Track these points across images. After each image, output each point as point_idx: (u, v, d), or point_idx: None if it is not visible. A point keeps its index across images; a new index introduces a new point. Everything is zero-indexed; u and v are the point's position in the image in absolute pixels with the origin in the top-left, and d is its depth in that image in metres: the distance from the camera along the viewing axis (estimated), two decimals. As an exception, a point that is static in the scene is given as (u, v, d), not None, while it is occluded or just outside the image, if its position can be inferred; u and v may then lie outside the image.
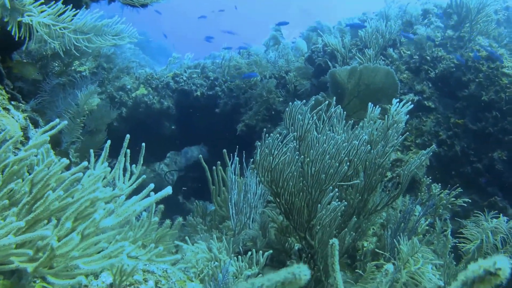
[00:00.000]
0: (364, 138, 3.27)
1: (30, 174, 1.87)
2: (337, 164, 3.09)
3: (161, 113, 8.23)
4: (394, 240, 3.38)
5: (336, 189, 3.01)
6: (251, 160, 3.54)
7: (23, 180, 1.86)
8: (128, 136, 2.25)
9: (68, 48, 2.87)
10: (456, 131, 5.79)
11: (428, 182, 4.80)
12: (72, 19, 2.83)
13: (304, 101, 3.42)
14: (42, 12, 2.65)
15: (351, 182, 3.39)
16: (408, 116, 3.75)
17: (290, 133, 3.30)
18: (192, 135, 8.69)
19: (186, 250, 3.26)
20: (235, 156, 3.87)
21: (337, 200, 2.99)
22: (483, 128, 5.65)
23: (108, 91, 8.04)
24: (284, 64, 7.66)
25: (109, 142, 2.25)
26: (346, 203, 3.01)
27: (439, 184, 4.63)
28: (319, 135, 3.26)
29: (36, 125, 3.22)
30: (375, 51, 6.32)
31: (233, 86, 8.12)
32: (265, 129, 3.44)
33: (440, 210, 4.49)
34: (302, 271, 0.81)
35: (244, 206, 3.67)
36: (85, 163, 2.00)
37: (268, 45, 8.88)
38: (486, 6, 6.15)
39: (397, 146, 3.87)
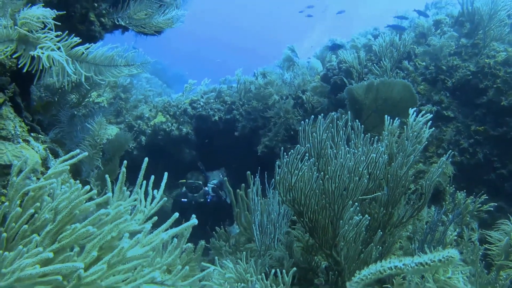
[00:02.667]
0: (381, 150, 3.25)
1: (52, 201, 1.88)
2: (357, 178, 3.07)
3: (180, 139, 8.28)
4: (421, 252, 3.34)
5: (357, 204, 2.99)
6: (273, 180, 3.54)
7: (41, 208, 1.87)
8: (146, 159, 2.27)
9: (79, 81, 2.91)
10: (478, 138, 5.74)
11: (451, 191, 4.75)
12: (83, 53, 2.87)
13: (312, 116, 3.43)
14: (54, 45, 2.68)
15: (373, 195, 3.37)
16: (433, 129, 3.73)
17: (307, 150, 3.30)
18: (213, 160, 8.70)
19: (213, 272, 3.25)
20: (257, 177, 3.87)
21: (359, 214, 2.97)
22: (505, 133, 5.59)
23: (127, 121, 8.13)
24: (301, 83, 7.67)
25: (125, 162, 2.27)
26: (368, 217, 2.98)
27: (464, 191, 4.60)
28: (336, 150, 3.25)
29: (56, 155, 3.26)
30: (390, 64, 6.32)
31: (250, 108, 8.15)
32: (282, 148, 3.44)
33: (468, 219, 4.44)
34: (455, 252, 0.92)
35: (268, 226, 3.66)
36: (109, 194, 2.01)
37: (282, 66, 8.90)
38: (498, 12, 6.11)
39: (418, 157, 3.84)
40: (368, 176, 3.20)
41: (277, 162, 3.26)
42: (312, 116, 3.50)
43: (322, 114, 3.49)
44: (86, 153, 2.25)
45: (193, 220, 1.98)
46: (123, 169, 2.29)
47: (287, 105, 7.25)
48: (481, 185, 5.55)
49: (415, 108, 3.73)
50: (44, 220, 1.81)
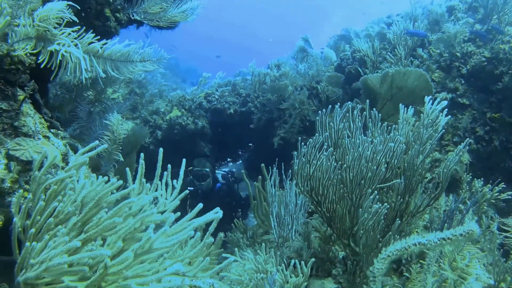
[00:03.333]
0: (400, 139, 3.26)
1: (74, 194, 1.92)
2: (375, 167, 3.09)
3: (196, 133, 8.31)
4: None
5: (376, 192, 3.00)
6: (290, 171, 3.56)
7: (64, 201, 1.91)
8: (161, 149, 2.30)
9: (95, 77, 2.96)
10: (493, 125, 5.71)
11: (468, 179, 4.74)
12: (99, 50, 2.91)
13: (330, 106, 3.45)
14: (72, 41, 2.73)
15: (391, 183, 3.37)
16: (450, 116, 3.73)
17: (325, 140, 3.32)
18: (229, 152, 8.73)
19: (232, 264, 3.29)
20: (274, 169, 3.89)
21: (378, 203, 2.98)
22: (521, 120, 5.56)
23: (143, 116, 8.19)
24: (315, 74, 7.67)
25: (142, 155, 2.32)
26: (387, 205, 3.00)
27: (481, 179, 4.58)
28: (354, 139, 3.26)
29: (75, 151, 3.31)
30: (405, 52, 6.31)
31: (265, 100, 8.17)
32: (300, 138, 3.46)
33: (484, 207, 4.42)
34: (475, 226, 1.01)
35: (286, 217, 3.68)
36: (134, 186, 2.05)
37: (296, 57, 8.90)
38: (512, -4, 6.07)
39: (435, 146, 3.84)
40: (386, 165, 3.22)
41: (294, 153, 3.28)
42: (330, 106, 3.52)
43: (338, 104, 3.50)
44: (105, 146, 2.30)
45: (218, 214, 2.01)
46: (142, 161, 2.33)
47: (302, 96, 7.25)
48: (497, 172, 5.52)
49: (430, 96, 3.73)
50: (67, 213, 1.85)
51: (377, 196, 3.00)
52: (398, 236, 3.18)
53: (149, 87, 9.13)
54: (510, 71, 5.70)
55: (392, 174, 3.37)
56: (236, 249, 3.45)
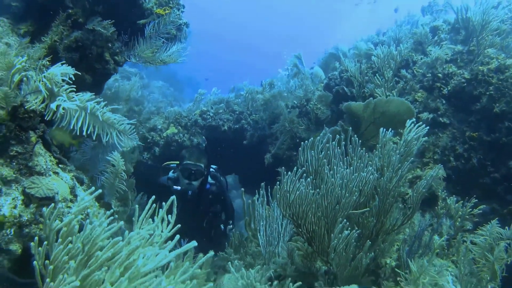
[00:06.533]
0: (371, 170, 3.58)
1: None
2: (347, 194, 3.42)
3: (193, 149, 8.58)
4: (408, 259, 3.67)
5: (345, 220, 3.33)
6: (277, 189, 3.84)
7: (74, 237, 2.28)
8: (174, 198, 2.60)
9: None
10: (472, 144, 5.98)
11: (444, 196, 5.03)
12: (95, 106, 3.26)
13: (311, 139, 3.77)
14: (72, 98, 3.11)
15: (362, 211, 3.70)
16: (426, 138, 3.99)
17: (305, 169, 3.65)
18: (223, 168, 9.01)
19: (226, 275, 3.59)
20: (262, 189, 4.11)
21: (352, 226, 3.30)
22: (497, 138, 5.78)
23: (141, 133, 8.44)
24: (303, 94, 7.97)
25: (153, 197, 2.61)
26: (358, 229, 3.32)
27: (460, 196, 4.87)
28: (330, 170, 3.59)
29: (81, 182, 3.68)
30: (389, 74, 6.58)
31: (258, 118, 8.50)
32: (283, 167, 3.77)
33: (458, 222, 4.70)
34: None
35: (273, 235, 3.98)
36: (121, 223, 2.39)
37: (288, 74, 9.19)
38: (489, 22, 6.33)
39: (409, 168, 4.09)
40: (359, 192, 3.55)
41: (277, 184, 3.59)
42: (311, 139, 3.84)
43: (325, 127, 3.82)
44: (100, 191, 2.63)
45: (193, 243, 2.31)
46: (150, 200, 2.64)
47: (292, 114, 7.54)
48: (476, 188, 5.73)
49: (412, 120, 4.01)
50: (77, 249, 2.21)
51: (347, 223, 3.33)
52: (372, 253, 3.52)
53: (146, 104, 9.40)
54: (488, 92, 5.96)
55: (366, 198, 3.71)
56: (235, 261, 3.71)
